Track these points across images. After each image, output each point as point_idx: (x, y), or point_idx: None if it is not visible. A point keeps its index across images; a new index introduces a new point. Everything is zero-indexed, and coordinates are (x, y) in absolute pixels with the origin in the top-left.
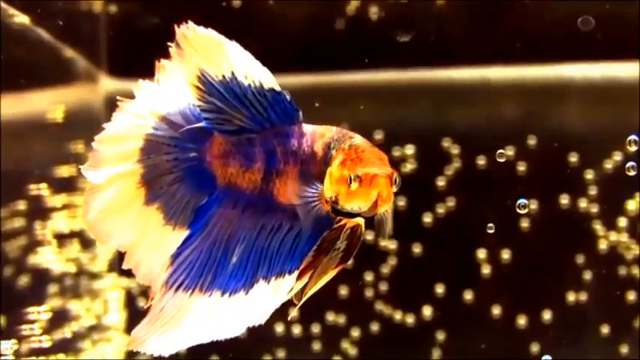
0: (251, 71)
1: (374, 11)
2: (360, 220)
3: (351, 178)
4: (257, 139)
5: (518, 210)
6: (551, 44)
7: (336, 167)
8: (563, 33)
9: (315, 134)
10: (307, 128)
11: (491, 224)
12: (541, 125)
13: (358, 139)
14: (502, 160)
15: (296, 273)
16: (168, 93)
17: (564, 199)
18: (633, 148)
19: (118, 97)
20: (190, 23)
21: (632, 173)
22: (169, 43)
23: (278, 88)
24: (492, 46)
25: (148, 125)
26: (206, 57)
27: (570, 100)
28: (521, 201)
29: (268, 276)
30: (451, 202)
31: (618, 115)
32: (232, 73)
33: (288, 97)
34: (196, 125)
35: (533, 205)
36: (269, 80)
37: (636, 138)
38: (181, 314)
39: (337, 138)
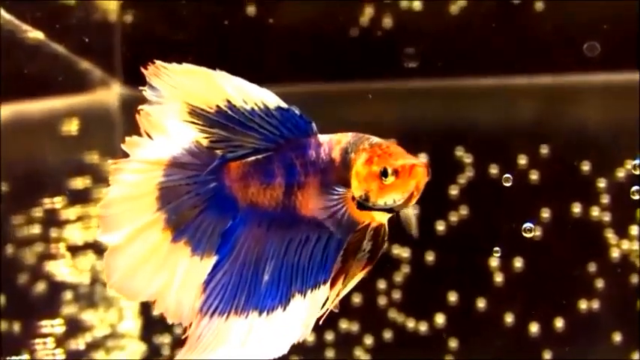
0: (250, 95)
1: (387, 18)
2: (384, 220)
3: (386, 171)
4: (274, 156)
5: (524, 234)
6: (565, 52)
7: (362, 166)
8: (578, 41)
9: (332, 142)
10: (323, 138)
11: (497, 248)
12: (554, 133)
13: (377, 139)
14: (508, 184)
15: (329, 282)
16: (164, 139)
17: (577, 207)
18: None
19: (110, 161)
20: (157, 62)
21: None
22: (141, 88)
23: (285, 105)
24: (506, 55)
25: (156, 176)
26: (191, 91)
27: (583, 107)
28: (528, 225)
29: (303, 289)
30: (464, 211)
31: (633, 123)
32: (228, 102)
33: (297, 112)
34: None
35: (546, 213)
36: (272, 99)
37: None
38: (219, 339)
39: (353, 142)
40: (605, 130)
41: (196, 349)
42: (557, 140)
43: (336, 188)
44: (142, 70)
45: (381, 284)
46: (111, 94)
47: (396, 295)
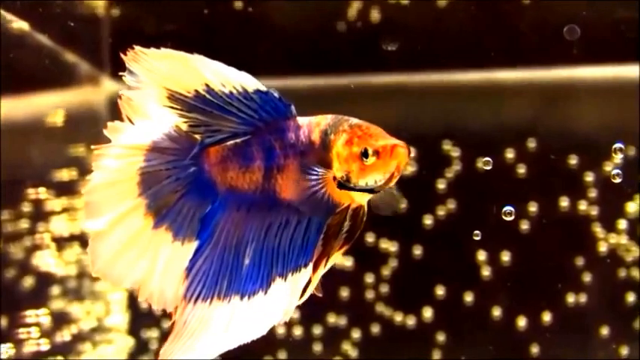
0: (228, 79)
1: (376, 13)
2: (363, 201)
3: (367, 152)
4: (253, 139)
5: (504, 217)
6: (555, 46)
7: (342, 146)
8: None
9: (311, 124)
10: (303, 120)
11: (477, 231)
12: (542, 128)
13: (357, 120)
14: (488, 167)
15: (311, 265)
16: (145, 123)
17: (564, 202)
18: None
19: (92, 147)
20: (136, 47)
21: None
22: (121, 74)
23: (263, 88)
24: (496, 49)
25: (137, 161)
26: (169, 76)
27: (570, 102)
28: (508, 208)
29: (284, 273)
30: (452, 205)
31: (622, 117)
32: (207, 86)
33: (276, 95)
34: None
35: (533, 207)
36: (251, 82)
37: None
38: (205, 324)
39: (333, 123)
40: (593, 125)
41: (183, 335)
42: (545, 134)
43: (316, 169)
44: (122, 55)
45: (369, 278)
46: (99, 87)
47: (384, 288)
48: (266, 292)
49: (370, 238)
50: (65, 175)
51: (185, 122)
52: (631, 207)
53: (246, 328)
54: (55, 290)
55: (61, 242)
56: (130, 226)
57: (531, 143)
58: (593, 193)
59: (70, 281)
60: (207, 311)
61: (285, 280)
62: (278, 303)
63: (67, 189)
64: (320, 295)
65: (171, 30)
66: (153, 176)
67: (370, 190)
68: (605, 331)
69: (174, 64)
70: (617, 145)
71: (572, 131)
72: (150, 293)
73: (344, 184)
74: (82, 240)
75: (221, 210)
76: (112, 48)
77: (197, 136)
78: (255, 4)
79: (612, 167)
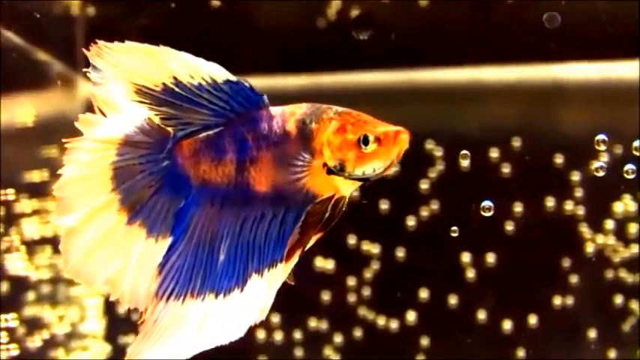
0: (197, 70)
1: (357, 11)
2: (348, 192)
3: (367, 139)
4: (225, 131)
5: (482, 213)
6: (541, 44)
7: (334, 134)
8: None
9: (285, 114)
10: (276, 110)
11: (454, 227)
12: (527, 127)
13: (340, 108)
14: (466, 161)
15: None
16: (117, 116)
17: (550, 202)
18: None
19: (64, 140)
20: (99, 42)
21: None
22: (85, 70)
23: (234, 78)
24: (483, 47)
25: (110, 155)
26: (135, 70)
27: (558, 101)
28: (486, 203)
29: (260, 268)
30: (435, 206)
31: (609, 116)
32: (175, 78)
33: (247, 85)
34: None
35: (519, 207)
36: (221, 73)
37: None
38: (177, 324)
39: (312, 112)
40: (579, 123)
41: (152, 334)
42: (530, 134)
43: (301, 157)
44: (84, 51)
45: (351, 281)
46: (73, 88)
47: (366, 292)
48: (242, 290)
49: (352, 240)
50: (36, 176)
51: (156, 115)
52: (618, 207)
53: (221, 328)
54: (27, 295)
55: (32, 245)
56: (102, 222)
57: (516, 142)
58: (579, 193)
59: (43, 286)
60: (180, 309)
61: (262, 276)
62: (254, 300)
63: (38, 191)
64: (292, 283)
65: (148, 29)
66: (126, 171)
67: (365, 179)
68: (592, 333)
69: (140, 58)
70: (600, 137)
71: (558, 130)
72: (122, 292)
73: (336, 173)
74: (55, 243)
75: (195, 205)
76: (86, 48)
77: (169, 130)
78: (234, 2)
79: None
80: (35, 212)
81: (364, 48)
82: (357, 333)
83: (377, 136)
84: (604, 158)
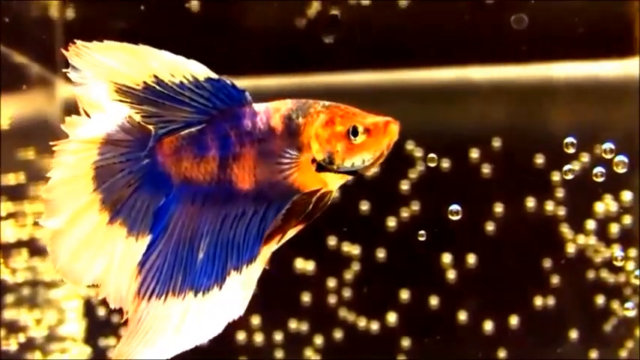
0: (177, 68)
1: (350, 12)
2: (336, 186)
3: (356, 130)
4: (208, 128)
5: (450, 216)
6: (528, 44)
7: (322, 127)
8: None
9: (269, 110)
10: (259, 107)
11: (422, 231)
12: (509, 127)
13: (326, 102)
14: (433, 164)
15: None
16: (100, 116)
17: (531, 202)
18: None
19: (51, 143)
20: (78, 42)
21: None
22: (65, 70)
23: (215, 76)
24: (470, 46)
25: (92, 155)
26: (115, 69)
27: (541, 101)
28: (454, 207)
29: (239, 265)
30: (415, 207)
31: (593, 117)
32: (155, 77)
33: (229, 82)
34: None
35: (499, 208)
36: (202, 70)
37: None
38: (159, 322)
39: (298, 107)
40: (561, 124)
41: (137, 333)
42: (511, 134)
43: (289, 152)
44: (63, 51)
45: (331, 282)
46: (52, 90)
47: (347, 293)
48: (221, 287)
49: (332, 241)
50: (12, 179)
51: (137, 113)
52: (599, 207)
53: (200, 326)
54: (5, 298)
55: (8, 248)
56: (86, 222)
57: (496, 143)
58: (560, 194)
59: (21, 289)
60: (162, 308)
61: (240, 272)
62: (233, 297)
63: (15, 194)
64: (267, 268)
65: (127, 31)
66: (107, 170)
67: (353, 172)
68: (574, 334)
69: (120, 57)
70: (569, 140)
71: (539, 131)
72: (108, 292)
73: (325, 167)
74: (31, 246)
75: (175, 203)
76: (65, 48)
77: (150, 128)
78: (213, 3)
79: (582, 172)
80: (11, 215)
81: (341, 48)
82: (338, 335)
83: (366, 126)
84: (579, 159)
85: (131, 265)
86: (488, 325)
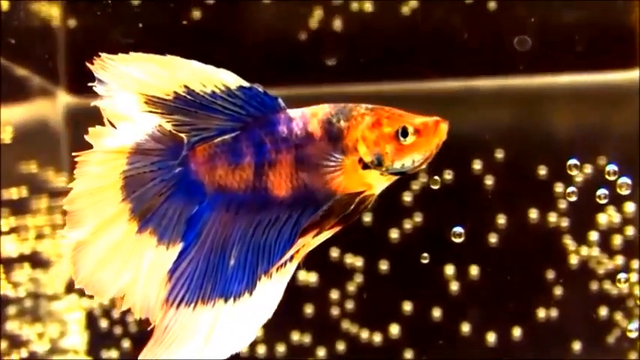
0: (208, 78)
1: (344, 21)
2: (378, 190)
3: (406, 131)
4: (242, 135)
5: (453, 239)
6: (530, 55)
7: (369, 130)
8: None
9: (305, 116)
10: (295, 112)
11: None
12: (510, 139)
13: (368, 105)
14: (436, 187)
15: (296, 260)
16: (127, 126)
17: (534, 213)
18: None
19: (74, 154)
20: (103, 55)
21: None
22: (90, 84)
23: (246, 84)
24: (472, 57)
25: (120, 164)
26: (143, 81)
27: (545, 112)
28: (457, 229)
29: (269, 269)
30: (418, 218)
31: (594, 126)
32: (186, 87)
33: (261, 89)
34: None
35: (502, 219)
36: (232, 79)
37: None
38: (187, 331)
39: (338, 111)
40: (564, 134)
41: (163, 342)
42: (514, 145)
43: (334, 156)
44: (88, 65)
45: (334, 294)
46: (54, 102)
47: (350, 305)
48: (251, 293)
49: (335, 253)
50: (15, 193)
51: (168, 122)
52: (602, 219)
53: (231, 334)
54: (6, 312)
55: (10, 263)
56: (113, 232)
57: (499, 154)
58: (563, 205)
59: (23, 303)
60: (191, 317)
61: (271, 277)
62: (262, 302)
63: (16, 207)
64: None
65: (130, 41)
66: (137, 179)
67: (401, 173)
68: (577, 346)
69: (147, 68)
70: (572, 162)
71: (541, 142)
72: (133, 302)
73: (373, 169)
74: (33, 260)
75: (209, 210)
76: (67, 60)
77: (182, 136)
78: (219, 14)
79: (585, 184)
80: (13, 230)
81: (340, 59)
82: (341, 347)
83: (416, 127)
84: (582, 171)
85: (160, 273)
86: (491, 337)
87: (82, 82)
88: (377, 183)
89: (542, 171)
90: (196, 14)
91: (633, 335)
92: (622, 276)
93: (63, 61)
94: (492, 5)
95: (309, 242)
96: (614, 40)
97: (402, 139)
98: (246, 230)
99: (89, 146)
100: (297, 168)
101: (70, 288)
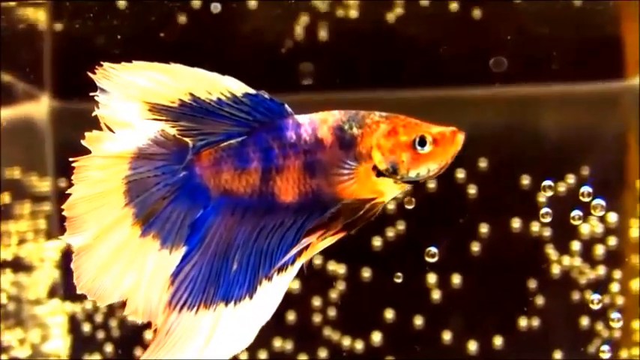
0: (213, 85)
1: (335, 29)
2: (388, 198)
3: (424, 140)
4: (249, 139)
5: (426, 258)
6: (518, 65)
7: (385, 138)
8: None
9: (314, 122)
10: (303, 118)
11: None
12: (495, 148)
13: (382, 112)
14: (410, 206)
15: (298, 263)
16: (126, 132)
17: (516, 223)
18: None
19: (71, 159)
20: (105, 64)
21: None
22: (93, 94)
23: (252, 90)
24: (455, 68)
25: (122, 169)
26: (147, 89)
27: (529, 123)
28: (432, 249)
29: (271, 273)
30: (401, 226)
31: (575, 137)
32: (191, 95)
33: (267, 96)
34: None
35: (484, 228)
36: (237, 86)
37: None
38: (189, 335)
39: (350, 118)
40: (546, 144)
41: (165, 345)
42: (496, 155)
43: (347, 163)
44: (90, 74)
45: (316, 301)
46: (39, 106)
47: (332, 312)
48: (252, 297)
49: (317, 260)
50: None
51: (173, 128)
52: (584, 228)
53: (231, 336)
54: None
55: None
56: (116, 237)
57: (482, 163)
58: (546, 214)
59: (6, 307)
60: (193, 320)
61: (271, 280)
62: (262, 304)
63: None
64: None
65: (117, 46)
66: (141, 184)
67: (414, 182)
68: (558, 355)
69: (151, 76)
70: (547, 183)
71: (524, 152)
72: (136, 306)
73: (387, 176)
74: (15, 265)
75: (213, 215)
76: (53, 65)
77: (188, 140)
78: (206, 19)
79: (568, 194)
80: None
81: (329, 68)
82: (323, 354)
83: (434, 136)
84: (565, 181)
85: (163, 277)
86: (473, 346)
87: (67, 88)
88: (389, 191)
89: (526, 180)
90: (184, 18)
91: (606, 356)
92: (595, 297)
93: (48, 65)
94: (477, 14)
95: (312, 247)
96: (601, 51)
97: (419, 148)
98: (250, 235)
99: (76, 150)
100: (305, 174)
101: (52, 292)
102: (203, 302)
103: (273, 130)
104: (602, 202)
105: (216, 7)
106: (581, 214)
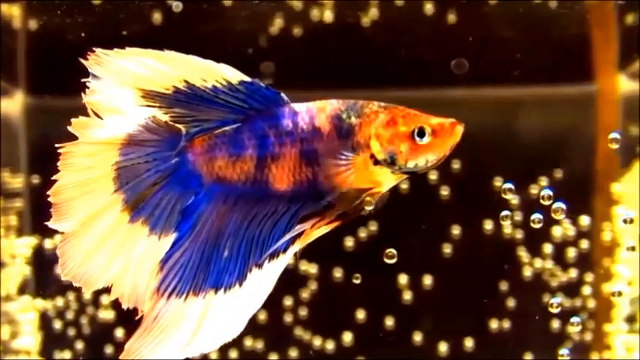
0: (208, 72)
1: (344, 30)
2: (385, 187)
3: (423, 131)
4: (244, 127)
5: (385, 259)
6: (489, 69)
7: (384, 128)
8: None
9: (311, 110)
10: (300, 106)
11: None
12: (468, 150)
13: (381, 102)
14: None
15: (290, 251)
16: (115, 118)
17: (489, 224)
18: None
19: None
20: (98, 50)
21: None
22: (84, 80)
23: (247, 78)
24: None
25: (111, 156)
26: (141, 75)
27: (501, 123)
28: (390, 250)
29: (261, 261)
30: (373, 227)
31: (550, 139)
32: (186, 82)
33: (262, 84)
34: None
35: (456, 230)
36: (233, 74)
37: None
38: (177, 321)
39: (348, 107)
40: (518, 146)
41: (152, 331)
42: (468, 156)
43: (345, 152)
44: (82, 60)
45: (288, 301)
46: (12, 103)
47: (303, 312)
48: (241, 284)
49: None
50: None
51: (166, 114)
52: (557, 231)
53: (220, 325)
54: None
55: None
56: (104, 223)
57: (455, 165)
58: (518, 217)
59: None
60: (182, 307)
61: (261, 268)
62: (252, 292)
63: None
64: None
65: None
66: (131, 170)
67: (413, 173)
68: (528, 357)
69: (145, 63)
70: (507, 186)
71: (496, 154)
72: (122, 292)
73: (389, 167)
74: None
75: (205, 202)
76: (27, 61)
77: (181, 127)
78: (182, 15)
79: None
80: None
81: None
82: (293, 353)
83: (433, 128)
84: (538, 183)
85: (151, 263)
86: (443, 347)
87: (42, 84)
88: (386, 181)
89: (498, 182)
90: (158, 16)
91: None
92: (554, 301)
93: (22, 62)
94: (452, 18)
95: (305, 235)
96: (570, 54)
97: (417, 139)
98: (242, 222)
99: (50, 147)
100: (301, 162)
101: (23, 289)
102: (192, 289)
103: (269, 118)
104: (563, 206)
105: (177, 7)
106: (541, 217)
